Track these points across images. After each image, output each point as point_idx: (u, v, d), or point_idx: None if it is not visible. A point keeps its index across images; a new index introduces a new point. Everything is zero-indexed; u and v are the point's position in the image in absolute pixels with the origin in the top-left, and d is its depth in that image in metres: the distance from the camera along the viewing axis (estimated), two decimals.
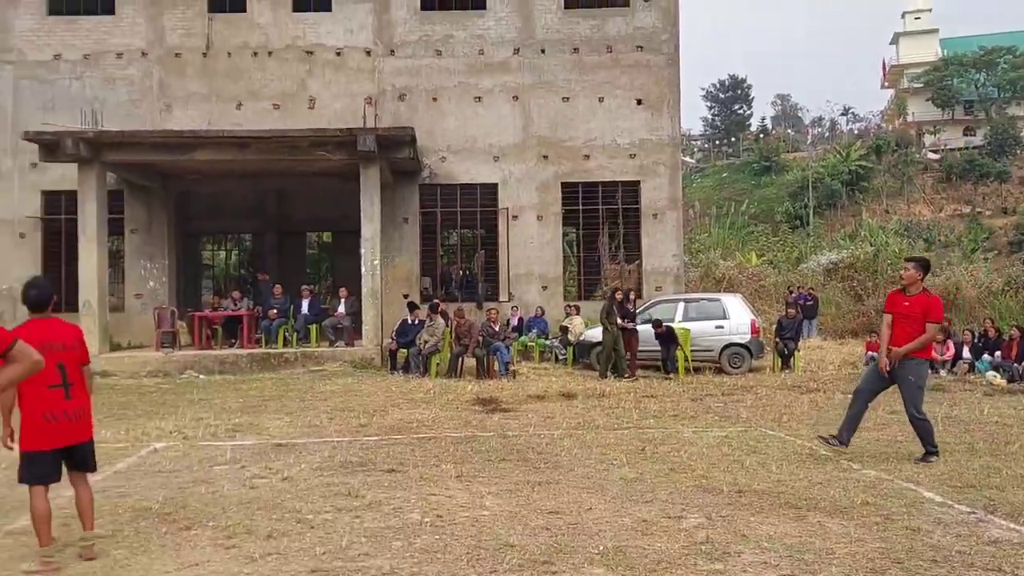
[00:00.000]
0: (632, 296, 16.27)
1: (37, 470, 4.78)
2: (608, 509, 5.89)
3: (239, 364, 15.34)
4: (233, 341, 16.72)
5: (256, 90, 18.86)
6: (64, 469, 5.01)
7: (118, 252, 20.22)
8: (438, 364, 14.83)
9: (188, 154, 15.96)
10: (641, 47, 19.13)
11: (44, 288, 5.01)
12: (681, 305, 16.60)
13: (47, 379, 4.63)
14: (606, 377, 14.38)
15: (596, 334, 16.02)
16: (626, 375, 14.44)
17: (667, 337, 15.42)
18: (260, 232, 23.80)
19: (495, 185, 18.99)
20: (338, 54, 18.96)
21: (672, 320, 15.95)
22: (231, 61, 18.87)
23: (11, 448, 4.83)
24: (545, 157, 18.97)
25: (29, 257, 18.45)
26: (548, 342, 17.28)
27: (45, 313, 4.95)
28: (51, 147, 15.60)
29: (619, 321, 14.85)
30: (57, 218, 18.53)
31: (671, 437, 8.84)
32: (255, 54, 18.89)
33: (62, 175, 17.39)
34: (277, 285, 17.71)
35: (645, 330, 15.54)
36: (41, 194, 18.57)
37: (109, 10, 18.92)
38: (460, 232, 23.57)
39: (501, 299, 18.63)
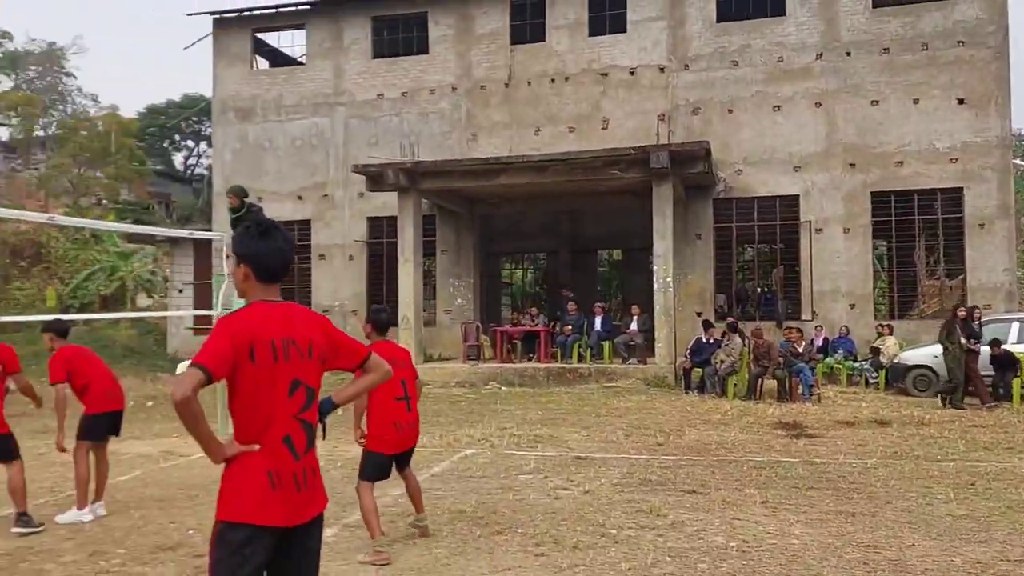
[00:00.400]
0: (977, 313, 14.62)
1: (376, 471, 5.42)
2: (934, 547, 5.35)
3: (537, 377, 15.96)
4: (531, 355, 17.45)
5: (553, 115, 19.63)
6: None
7: (430, 272, 21.97)
8: (735, 385, 14.34)
9: (493, 180, 16.94)
10: (962, 42, 17.32)
11: (390, 313, 5.90)
12: (1015, 325, 14.67)
13: (393, 392, 5.32)
14: (946, 405, 12.83)
15: (912, 356, 14.68)
16: (962, 406, 12.69)
17: (1004, 361, 13.68)
18: (554, 251, 24.64)
19: (796, 197, 18.10)
20: (631, 73, 19.19)
21: (1004, 342, 14.15)
22: (530, 89, 19.81)
23: (362, 444, 5.49)
24: (852, 165, 17.76)
25: (356, 277, 20.72)
26: (857, 364, 16.08)
27: (386, 335, 5.69)
28: (376, 178, 17.31)
29: (963, 341, 13.31)
30: (379, 242, 20.57)
31: (1007, 472, 7.84)
32: (552, 80, 19.68)
33: (383, 202, 19.36)
34: (571, 302, 18.22)
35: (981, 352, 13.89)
36: (366, 220, 20.75)
37: (424, 50, 20.74)
38: (757, 247, 22.76)
39: (803, 318, 17.66)
